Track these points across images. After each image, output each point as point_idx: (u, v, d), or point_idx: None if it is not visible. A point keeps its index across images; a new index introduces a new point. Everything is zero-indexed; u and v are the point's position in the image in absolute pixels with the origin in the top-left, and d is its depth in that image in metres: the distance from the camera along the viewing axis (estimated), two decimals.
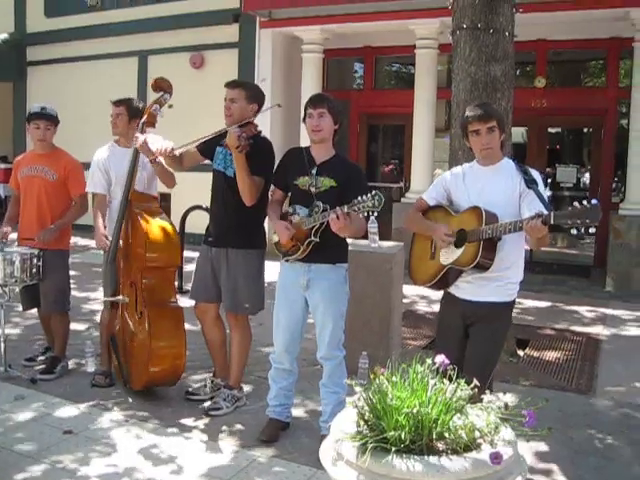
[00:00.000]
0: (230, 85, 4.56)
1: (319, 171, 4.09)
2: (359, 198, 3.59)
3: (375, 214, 3.69)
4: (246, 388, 5.03)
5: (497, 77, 5.78)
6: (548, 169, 12.23)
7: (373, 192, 3.56)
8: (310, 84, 11.36)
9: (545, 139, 12.04)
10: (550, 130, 12.63)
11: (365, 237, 5.53)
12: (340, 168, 4.11)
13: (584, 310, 8.20)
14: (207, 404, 4.76)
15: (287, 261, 4.20)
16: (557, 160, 12.88)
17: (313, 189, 4.06)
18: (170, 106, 5.07)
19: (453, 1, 6.02)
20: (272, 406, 4.41)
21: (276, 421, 4.38)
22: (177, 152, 4.57)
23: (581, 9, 9.27)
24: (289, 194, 4.31)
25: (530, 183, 3.51)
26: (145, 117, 5.00)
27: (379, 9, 10.33)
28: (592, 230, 3.06)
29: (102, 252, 5.25)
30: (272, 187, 4.39)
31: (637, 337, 7.08)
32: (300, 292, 4.16)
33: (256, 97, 4.59)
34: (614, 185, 11.47)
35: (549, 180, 12.02)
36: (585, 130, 13.02)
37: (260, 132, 4.64)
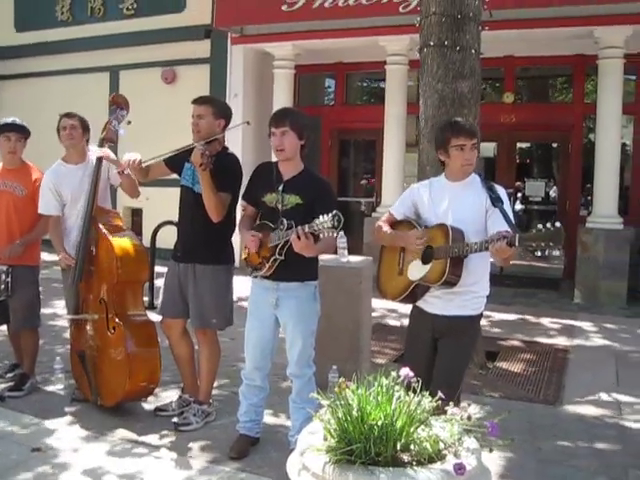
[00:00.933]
0: (197, 102, 4.58)
1: (285, 188, 4.05)
2: (320, 218, 3.50)
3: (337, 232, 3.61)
4: (216, 403, 5.02)
5: (464, 93, 5.88)
6: (517, 183, 12.40)
7: (333, 212, 3.48)
8: (281, 100, 11.41)
9: (514, 154, 12.21)
10: (519, 145, 12.83)
11: (335, 252, 5.59)
12: (307, 185, 4.06)
13: (552, 322, 8.30)
14: (176, 419, 4.75)
15: (255, 277, 4.20)
16: (526, 174, 13.08)
17: (279, 206, 4.03)
18: (129, 122, 5.10)
19: (421, 19, 6.12)
20: (242, 422, 4.41)
21: (246, 437, 4.38)
22: (144, 165, 4.59)
23: (546, 27, 9.45)
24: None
25: (495, 201, 3.54)
26: (104, 133, 5.02)
27: (350, 26, 10.43)
28: (556, 253, 3.10)
29: (60, 269, 5.23)
30: (243, 202, 4.38)
31: (604, 348, 7.19)
32: (270, 310, 4.14)
33: (223, 113, 4.61)
34: (582, 199, 11.64)
35: (519, 194, 12.19)
36: (553, 145, 13.23)
37: (227, 148, 4.68)
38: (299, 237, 3.67)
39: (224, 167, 4.48)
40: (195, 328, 4.73)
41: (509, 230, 3.29)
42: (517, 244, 3.16)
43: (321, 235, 3.56)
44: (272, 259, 3.98)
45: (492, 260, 3.68)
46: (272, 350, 4.29)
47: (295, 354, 4.14)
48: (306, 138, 4.10)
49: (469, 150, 3.65)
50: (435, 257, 3.56)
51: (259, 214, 4.24)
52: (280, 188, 4.06)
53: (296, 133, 4.02)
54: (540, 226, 3.12)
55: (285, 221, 3.90)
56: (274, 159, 4.27)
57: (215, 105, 4.61)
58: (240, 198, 4.39)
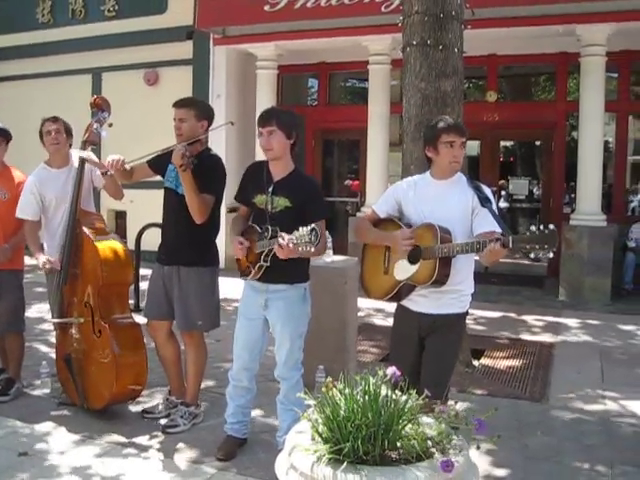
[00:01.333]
0: (178, 105, 4.58)
1: (275, 190, 4.02)
2: (299, 231, 3.46)
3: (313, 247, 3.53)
4: (203, 404, 5.01)
5: (447, 92, 5.89)
6: (501, 182, 12.46)
7: (311, 227, 3.43)
8: (265, 100, 11.40)
9: (497, 152, 12.27)
10: (502, 143, 12.89)
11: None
12: (296, 187, 4.02)
13: (538, 319, 8.35)
14: (164, 421, 4.74)
15: (246, 275, 4.19)
16: (510, 173, 13.14)
17: (269, 208, 4.01)
18: (110, 125, 5.09)
19: (403, 18, 6.13)
20: (229, 423, 4.40)
21: (233, 438, 4.38)
22: (128, 166, 4.57)
23: (528, 25, 9.49)
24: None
25: (484, 201, 3.54)
26: (87, 135, 5.00)
27: (332, 26, 10.43)
28: (550, 255, 3.09)
29: (44, 273, 5.21)
30: (235, 202, 4.35)
31: (588, 344, 7.24)
32: (260, 311, 4.13)
33: (206, 114, 4.62)
34: (566, 197, 11.72)
35: (502, 192, 12.25)
36: (536, 143, 13.30)
37: (209, 149, 4.69)
38: (281, 247, 3.62)
39: (207, 168, 4.49)
40: (181, 330, 4.72)
41: (500, 231, 3.30)
42: (510, 246, 3.15)
43: (300, 249, 3.51)
44: (258, 265, 3.98)
45: (477, 259, 3.69)
46: (260, 351, 4.28)
47: (283, 356, 4.13)
48: (295, 137, 4.06)
49: (458, 147, 3.66)
50: (423, 257, 3.55)
51: (252, 214, 4.21)
52: (270, 190, 4.03)
53: (284, 132, 3.99)
54: (534, 228, 3.10)
55: (270, 228, 3.89)
56: (262, 159, 4.25)
57: (197, 107, 4.60)
58: (233, 198, 4.35)
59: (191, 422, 4.72)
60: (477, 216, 3.56)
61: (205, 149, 4.67)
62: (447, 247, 3.44)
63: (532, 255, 3.11)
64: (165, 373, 5.02)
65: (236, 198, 4.32)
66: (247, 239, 4.07)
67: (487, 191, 3.65)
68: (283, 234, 3.60)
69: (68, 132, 5.23)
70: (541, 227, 3.09)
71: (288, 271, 3.98)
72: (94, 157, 4.95)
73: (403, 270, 3.68)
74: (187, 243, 4.55)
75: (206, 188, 4.42)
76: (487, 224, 3.46)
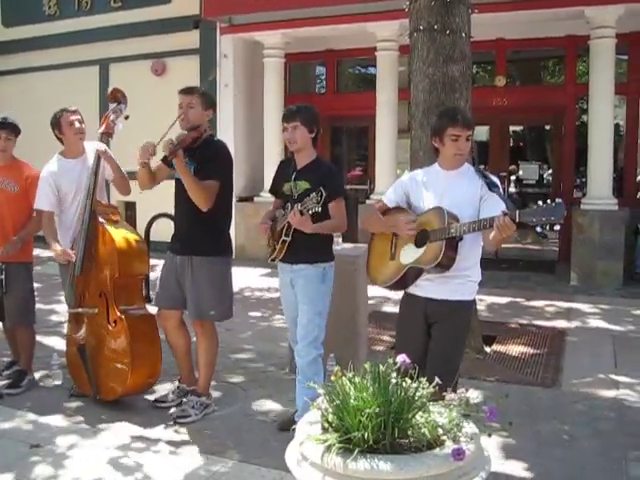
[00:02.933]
0: (185, 91, 4.65)
1: (297, 176, 4.34)
2: (308, 196, 3.94)
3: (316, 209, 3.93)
4: (215, 394, 5.02)
5: (455, 77, 5.85)
6: (511, 167, 12.39)
7: (319, 190, 3.91)
8: (272, 88, 11.40)
9: (507, 137, 12.20)
10: (512, 128, 12.81)
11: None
12: (315, 171, 4.32)
13: (549, 305, 8.30)
14: (174, 410, 4.75)
15: (273, 260, 4.46)
16: (519, 158, 13.07)
17: (293, 192, 4.32)
18: (126, 117, 5.10)
19: (410, 3, 6.08)
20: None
21: None
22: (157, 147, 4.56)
23: (536, 8, 9.41)
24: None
25: (492, 186, 3.56)
26: (104, 127, 5.01)
27: (339, 12, 10.39)
28: (556, 227, 3.13)
29: (58, 264, 5.22)
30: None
31: (601, 330, 7.19)
32: (290, 290, 4.41)
33: (211, 103, 4.77)
34: (577, 181, 11.64)
35: (512, 177, 12.19)
36: (546, 127, 13.22)
37: (213, 135, 4.78)
38: (294, 214, 4.01)
39: (211, 154, 4.58)
40: (193, 320, 4.73)
41: (507, 209, 3.30)
42: (518, 219, 3.18)
43: (310, 211, 3.95)
44: (280, 241, 4.28)
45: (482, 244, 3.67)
46: None
47: (300, 332, 4.32)
48: (316, 131, 4.39)
49: (463, 141, 3.66)
50: (430, 239, 3.55)
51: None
52: (293, 176, 4.37)
53: (306, 127, 4.32)
54: (540, 202, 3.13)
55: (290, 206, 4.18)
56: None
57: (204, 95, 4.74)
58: (269, 191, 4.56)
59: (202, 412, 4.73)
60: (485, 202, 3.57)
61: (209, 135, 4.71)
62: (454, 227, 3.45)
63: (539, 228, 3.15)
64: (175, 361, 5.04)
65: (270, 191, 4.72)
66: (274, 222, 4.41)
67: (494, 178, 3.65)
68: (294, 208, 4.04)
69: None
70: (548, 201, 3.12)
71: (310, 251, 4.27)
72: (109, 152, 4.96)
73: (409, 254, 3.68)
74: (199, 233, 4.59)
75: (210, 174, 4.49)
76: (495, 205, 3.44)
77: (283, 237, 4.25)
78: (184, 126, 4.59)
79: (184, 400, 4.82)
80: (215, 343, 4.82)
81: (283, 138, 4.46)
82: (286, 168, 4.50)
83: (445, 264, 3.54)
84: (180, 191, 4.65)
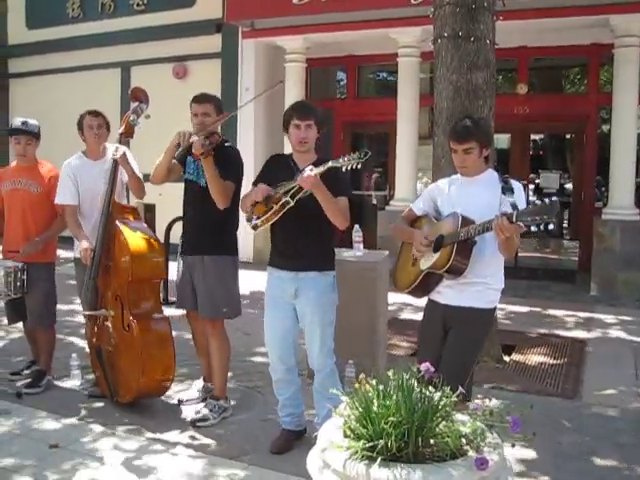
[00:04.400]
0: (201, 100, 4.70)
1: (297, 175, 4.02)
2: (345, 155, 3.68)
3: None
4: (233, 398, 5.01)
5: (479, 85, 5.83)
6: (532, 175, 12.32)
7: (363, 150, 3.65)
8: (293, 93, 11.37)
9: (528, 145, 12.14)
10: (533, 137, 12.74)
11: (350, 246, 5.60)
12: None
13: (569, 315, 8.24)
14: (192, 415, 4.75)
15: (254, 229, 4.14)
16: (540, 166, 13.00)
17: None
18: (147, 117, 5.11)
19: (434, 9, 6.06)
20: (281, 417, 4.41)
21: (287, 432, 4.37)
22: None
23: (561, 16, 9.36)
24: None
25: (506, 190, 3.54)
26: (123, 128, 5.04)
27: (361, 18, 10.37)
28: (550, 227, 3.10)
29: (74, 265, 5.24)
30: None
31: (622, 340, 7.12)
32: (289, 301, 4.15)
33: (221, 107, 4.79)
34: (597, 190, 11.55)
35: (531, 186, 12.12)
36: (567, 136, 13.14)
37: (226, 141, 4.82)
38: (308, 176, 3.74)
39: (226, 157, 4.62)
40: (206, 319, 4.76)
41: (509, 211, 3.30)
42: (515, 219, 3.16)
43: (343, 168, 3.72)
44: (281, 203, 3.92)
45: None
46: (293, 342, 4.27)
47: (316, 345, 4.14)
48: (322, 131, 4.21)
49: (461, 154, 3.66)
50: (444, 244, 3.57)
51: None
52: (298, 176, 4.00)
53: (317, 126, 4.14)
54: (537, 201, 3.13)
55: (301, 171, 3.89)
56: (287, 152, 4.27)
57: (216, 102, 4.77)
58: (251, 184, 4.32)
59: (220, 416, 4.72)
60: (503, 206, 3.54)
61: (222, 140, 4.75)
62: (464, 231, 3.45)
63: (533, 228, 3.11)
64: (200, 360, 5.12)
65: (254, 184, 4.22)
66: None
67: (514, 184, 3.63)
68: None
69: (108, 126, 5.27)
70: (546, 200, 3.10)
71: (316, 258, 4.09)
72: (128, 155, 4.97)
73: (427, 259, 3.70)
74: (211, 233, 4.65)
75: (226, 176, 4.54)
76: (507, 209, 3.42)
77: (287, 198, 3.89)
78: (200, 133, 4.52)
79: (203, 404, 4.83)
80: (227, 343, 4.84)
81: (292, 135, 4.11)
82: (283, 167, 4.16)
83: (456, 269, 3.54)
84: (192, 192, 4.73)
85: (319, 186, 3.81)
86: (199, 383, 5.16)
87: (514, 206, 3.31)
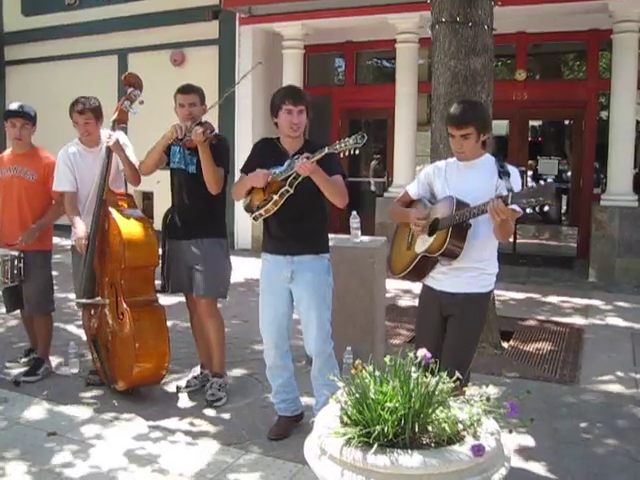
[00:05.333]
0: (187, 91, 4.82)
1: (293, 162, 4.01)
2: (341, 140, 3.65)
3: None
4: (231, 385, 5.03)
5: (477, 70, 5.79)
6: (530, 162, 12.28)
7: (358, 133, 3.61)
8: (291, 80, 11.30)
9: (527, 132, 12.08)
10: (532, 123, 12.68)
11: (348, 232, 5.60)
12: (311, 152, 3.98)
13: (567, 301, 8.24)
14: (208, 397, 4.79)
15: (255, 219, 4.13)
16: (539, 152, 12.95)
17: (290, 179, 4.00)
18: (141, 102, 5.08)
19: None
20: (276, 404, 4.43)
21: (284, 417, 4.38)
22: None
23: (559, 2, 9.32)
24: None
25: (502, 174, 3.51)
26: (116, 114, 5.00)
27: (359, 4, 10.32)
28: (546, 208, 3.07)
29: (71, 253, 5.22)
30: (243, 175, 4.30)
31: (620, 327, 7.12)
32: (284, 285, 4.14)
33: (204, 98, 4.91)
34: (596, 176, 11.52)
35: (530, 173, 12.08)
36: (566, 122, 13.09)
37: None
38: (305, 163, 3.76)
39: (219, 146, 4.74)
40: (205, 299, 4.81)
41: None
42: (510, 201, 3.15)
43: (342, 154, 3.69)
44: (280, 192, 3.92)
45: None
46: (288, 326, 4.26)
47: (313, 329, 4.12)
48: (310, 117, 4.19)
49: (459, 139, 3.62)
50: (439, 227, 3.56)
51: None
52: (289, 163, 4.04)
53: (307, 112, 4.12)
54: (533, 183, 3.11)
55: (296, 161, 3.87)
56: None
57: (200, 92, 4.89)
58: (240, 170, 4.31)
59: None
60: (499, 190, 3.52)
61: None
62: (458, 214, 3.45)
63: (529, 210, 3.10)
64: (197, 346, 5.17)
65: (244, 171, 4.25)
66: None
67: (511, 168, 3.58)
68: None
69: (98, 115, 5.16)
70: (541, 182, 3.11)
71: (313, 242, 4.12)
72: (121, 142, 4.93)
73: (422, 243, 3.69)
74: (204, 217, 4.79)
75: (218, 163, 4.67)
76: (502, 192, 3.40)
77: (287, 187, 3.90)
78: (188, 122, 4.66)
79: (208, 385, 4.89)
80: (221, 321, 4.96)
81: (284, 120, 4.04)
82: (270, 151, 4.15)
83: (451, 252, 3.53)
84: (181, 180, 4.85)
85: (318, 171, 3.82)
86: (197, 370, 5.18)
87: (510, 190, 3.30)
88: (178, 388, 5.05)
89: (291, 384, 4.39)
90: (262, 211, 4.03)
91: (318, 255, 4.13)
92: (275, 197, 3.94)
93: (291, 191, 3.91)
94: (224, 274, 4.91)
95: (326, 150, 3.74)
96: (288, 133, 4.09)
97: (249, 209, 4.16)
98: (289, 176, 3.89)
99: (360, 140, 3.60)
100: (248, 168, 4.21)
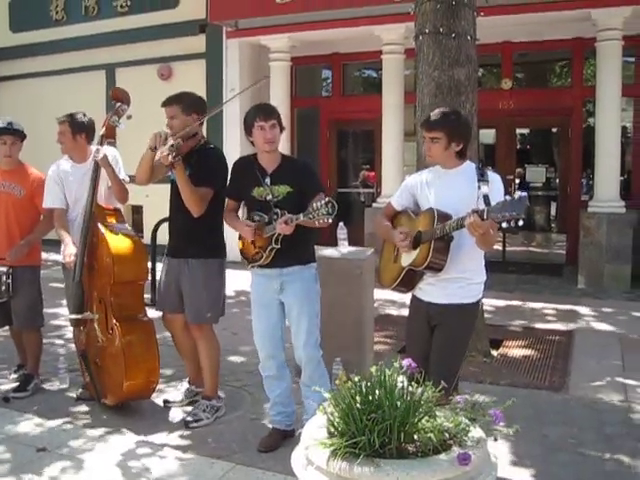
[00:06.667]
0: (165, 104, 4.65)
1: (273, 180, 4.15)
2: (314, 205, 3.68)
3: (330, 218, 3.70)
4: (222, 396, 5.02)
5: (461, 81, 5.84)
6: (518, 170, 12.34)
7: (327, 199, 3.65)
8: (279, 92, 11.40)
9: (514, 140, 12.16)
10: (518, 131, 12.76)
11: (335, 244, 5.61)
12: (292, 172, 4.17)
13: (557, 308, 8.27)
14: (185, 417, 4.74)
15: (253, 267, 4.26)
16: (527, 160, 13.02)
17: (270, 197, 4.11)
18: (129, 117, 5.08)
19: (415, 6, 6.07)
20: (271, 415, 4.45)
21: (276, 430, 4.39)
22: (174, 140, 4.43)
23: (542, 11, 9.39)
24: (242, 202, 4.40)
25: (481, 184, 3.50)
26: (104, 129, 5.00)
27: (344, 16, 10.39)
28: (520, 223, 3.06)
29: (62, 268, 5.22)
30: (226, 198, 4.42)
31: (608, 333, 7.16)
32: (275, 296, 4.22)
33: (193, 106, 4.66)
34: (584, 183, 11.59)
35: (517, 181, 12.14)
36: (553, 130, 13.17)
37: (208, 143, 4.78)
38: (287, 223, 3.86)
39: (205, 161, 4.58)
40: (190, 324, 4.75)
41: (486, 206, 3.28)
42: (485, 216, 3.15)
43: (317, 223, 3.71)
44: (269, 249, 4.08)
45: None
46: (282, 337, 4.32)
47: (303, 336, 4.19)
48: (282, 131, 4.24)
49: (429, 142, 3.70)
50: (422, 241, 3.58)
51: (244, 207, 4.36)
52: (267, 181, 4.16)
53: (280, 125, 4.18)
54: (507, 196, 3.09)
55: (279, 212, 4.00)
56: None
57: (182, 101, 4.64)
58: (224, 193, 4.41)
59: (214, 415, 4.73)
60: (479, 200, 3.52)
61: (204, 142, 4.73)
62: (439, 227, 3.47)
63: (504, 225, 3.08)
64: (184, 362, 5.10)
65: (227, 193, 4.43)
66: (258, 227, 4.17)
67: (492, 176, 3.60)
68: (285, 213, 3.92)
69: (78, 128, 5.12)
70: (516, 195, 3.04)
71: (299, 252, 4.16)
72: (110, 159, 4.91)
73: (408, 256, 3.71)
74: (194, 236, 4.61)
75: (203, 181, 4.48)
76: (479, 205, 3.41)
77: (273, 245, 4.05)
78: (170, 139, 4.43)
79: (195, 405, 4.83)
80: (216, 344, 4.84)
81: (258, 137, 4.13)
82: (248, 171, 4.23)
83: (435, 265, 3.55)
84: (176, 194, 4.63)
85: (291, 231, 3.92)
86: (184, 385, 5.15)
87: (486, 200, 3.32)
88: (165, 402, 5.03)
89: (288, 396, 4.42)
90: (257, 264, 4.20)
91: (306, 265, 4.22)
92: (265, 254, 4.10)
93: (278, 246, 4.04)
94: (212, 299, 4.69)
95: (301, 217, 3.79)
96: (263, 149, 4.16)
97: (243, 256, 4.31)
98: (273, 234, 4.02)
99: (332, 211, 3.62)
100: (231, 192, 4.40)
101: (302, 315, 4.18)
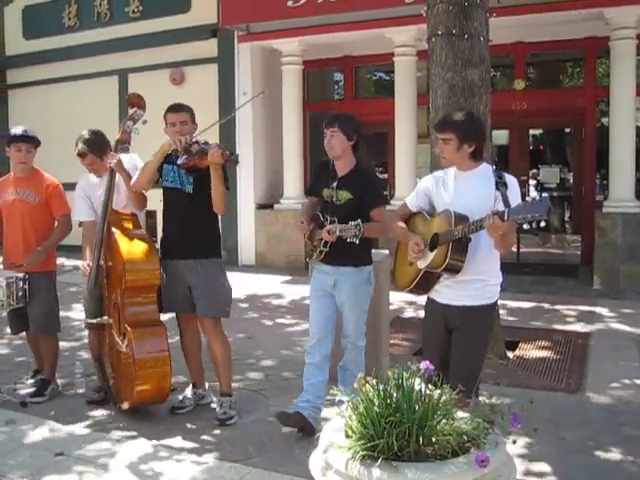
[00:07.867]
0: (176, 109, 4.83)
1: (339, 185, 4.50)
2: (348, 224, 4.10)
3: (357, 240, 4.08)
4: (235, 400, 5.03)
5: (474, 82, 5.83)
6: (532, 171, 12.31)
7: (356, 222, 4.05)
8: (291, 96, 11.43)
9: (527, 141, 12.13)
10: (532, 132, 12.72)
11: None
12: (357, 181, 4.49)
13: (572, 309, 8.22)
14: (218, 416, 4.78)
15: (311, 259, 4.66)
16: (540, 161, 12.98)
17: (334, 200, 4.49)
18: (144, 122, 5.12)
19: (427, 8, 6.07)
20: (298, 401, 4.54)
21: (299, 414, 4.43)
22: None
23: (555, 10, 9.36)
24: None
25: (499, 185, 3.52)
26: (119, 135, 5.03)
27: (356, 19, 10.41)
28: (542, 224, 3.10)
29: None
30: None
31: (625, 334, 7.11)
32: (328, 291, 4.58)
33: (194, 117, 4.89)
34: (598, 183, 11.53)
35: (531, 182, 12.10)
36: (566, 130, 13.12)
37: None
38: (329, 233, 4.26)
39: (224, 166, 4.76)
40: (210, 319, 4.83)
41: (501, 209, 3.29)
42: (506, 218, 3.18)
43: (349, 240, 4.11)
44: (318, 250, 4.49)
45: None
46: (333, 328, 4.64)
47: (350, 329, 4.59)
48: (356, 139, 4.53)
49: (440, 143, 3.72)
50: (439, 243, 3.57)
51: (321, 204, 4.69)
52: (334, 185, 4.51)
53: (344, 134, 4.46)
54: (528, 198, 3.13)
55: (329, 219, 4.39)
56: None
57: (191, 111, 4.88)
58: (304, 193, 4.66)
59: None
60: (497, 202, 3.53)
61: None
62: (458, 229, 3.47)
63: (526, 226, 3.16)
64: (188, 367, 5.13)
65: (309, 192, 4.88)
66: (314, 224, 4.57)
67: (508, 178, 3.60)
68: (336, 221, 4.32)
69: (97, 149, 5.19)
70: (536, 197, 3.11)
71: (353, 255, 4.43)
72: (127, 165, 4.97)
73: (425, 258, 3.70)
74: (203, 237, 4.83)
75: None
76: (501, 205, 3.42)
77: (322, 248, 4.43)
78: (179, 142, 4.59)
79: (219, 404, 4.87)
80: (227, 341, 4.98)
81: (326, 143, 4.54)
82: (324, 172, 4.62)
83: (453, 267, 3.55)
84: (177, 200, 4.80)
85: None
86: (189, 390, 5.12)
87: (506, 202, 3.31)
88: (173, 409, 5.01)
89: (320, 390, 4.54)
90: (313, 258, 4.63)
91: (358, 267, 4.52)
92: (316, 253, 4.54)
93: (326, 249, 4.42)
94: (226, 293, 4.91)
95: (337, 232, 4.19)
96: (328, 154, 4.55)
97: (309, 255, 4.73)
98: (321, 238, 4.40)
99: (358, 233, 4.05)
100: (310, 188, 4.89)
101: (351, 313, 4.56)
